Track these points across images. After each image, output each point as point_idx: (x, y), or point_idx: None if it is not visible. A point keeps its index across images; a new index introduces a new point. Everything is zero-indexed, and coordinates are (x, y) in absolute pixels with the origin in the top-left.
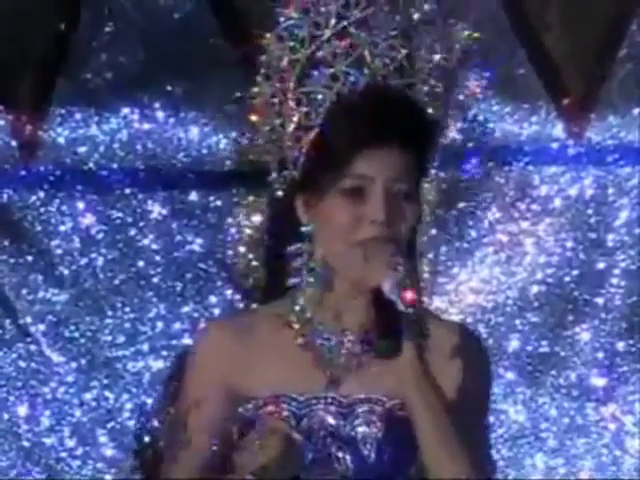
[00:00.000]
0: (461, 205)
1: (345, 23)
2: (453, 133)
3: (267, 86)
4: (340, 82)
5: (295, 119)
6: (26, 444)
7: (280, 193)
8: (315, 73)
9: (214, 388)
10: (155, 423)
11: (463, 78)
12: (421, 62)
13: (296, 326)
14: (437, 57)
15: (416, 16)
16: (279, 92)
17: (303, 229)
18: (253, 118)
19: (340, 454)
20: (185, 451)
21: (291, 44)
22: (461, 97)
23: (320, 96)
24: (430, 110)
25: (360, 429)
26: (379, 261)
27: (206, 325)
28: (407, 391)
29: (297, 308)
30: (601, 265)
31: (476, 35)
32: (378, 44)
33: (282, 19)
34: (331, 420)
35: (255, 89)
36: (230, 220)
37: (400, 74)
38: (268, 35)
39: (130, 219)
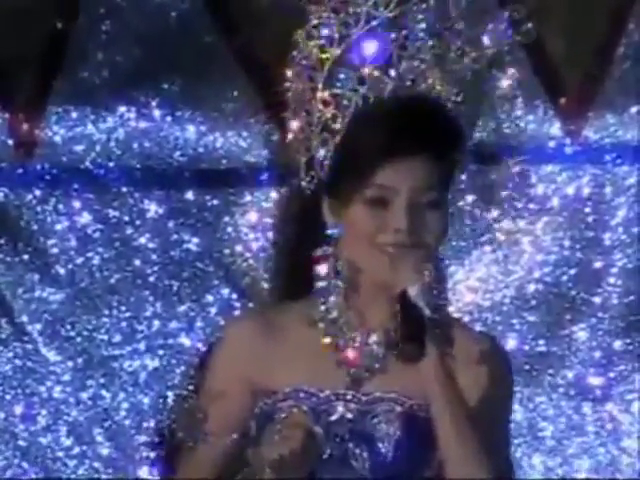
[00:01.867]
0: (458, 203)
1: (374, 24)
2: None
3: (298, 83)
4: (367, 85)
5: (322, 120)
6: (22, 443)
7: (308, 193)
8: (342, 74)
9: (236, 382)
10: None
11: (494, 78)
12: (451, 64)
13: (321, 325)
14: (467, 59)
15: (447, 17)
16: (308, 90)
17: (329, 232)
18: (286, 114)
19: (357, 451)
20: (202, 444)
21: (321, 42)
22: (493, 97)
23: (346, 99)
24: (456, 113)
25: (379, 427)
26: (406, 266)
27: (234, 318)
28: (430, 394)
29: (323, 308)
30: (598, 264)
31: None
32: (407, 46)
33: (312, 17)
34: (350, 417)
35: (287, 84)
36: (227, 219)
37: (428, 77)
38: (299, 32)
39: (127, 218)
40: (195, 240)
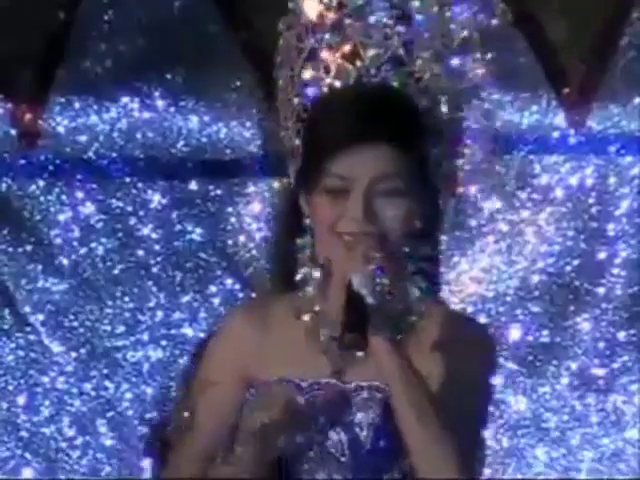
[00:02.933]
0: (461, 194)
1: (341, 14)
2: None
3: (282, 72)
4: (332, 74)
5: (296, 110)
6: (25, 434)
7: (292, 183)
8: (312, 64)
9: (230, 373)
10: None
11: (464, 66)
12: (419, 50)
13: (305, 317)
14: (436, 44)
15: (414, 4)
16: (289, 80)
17: (306, 222)
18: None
19: (337, 437)
20: (192, 433)
21: (298, 32)
22: (462, 86)
23: (312, 89)
24: (424, 102)
25: (358, 414)
26: (355, 254)
27: (231, 311)
28: (388, 382)
29: (306, 300)
30: (602, 255)
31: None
32: (372, 35)
33: (292, 6)
34: (331, 404)
35: (275, 72)
36: (230, 209)
37: (395, 64)
38: (282, 24)
39: (130, 208)
40: (198, 230)
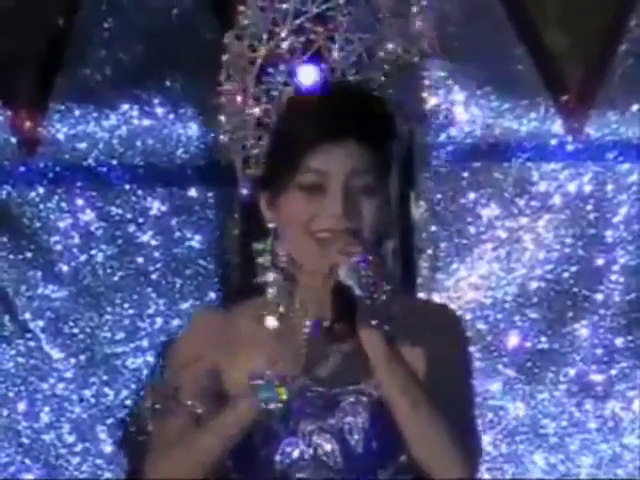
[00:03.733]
0: (460, 201)
1: (303, 19)
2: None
3: (229, 85)
4: (297, 77)
5: (256, 117)
6: (25, 440)
7: (245, 191)
8: (273, 70)
9: (201, 358)
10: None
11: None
12: (381, 54)
13: (270, 321)
14: (398, 50)
15: (376, 9)
16: (240, 91)
17: (268, 226)
18: (221, 117)
19: (328, 447)
20: (175, 416)
21: (249, 43)
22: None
23: (277, 93)
24: (387, 103)
25: (346, 419)
26: (333, 248)
27: (194, 314)
28: (378, 374)
29: (269, 304)
30: (600, 261)
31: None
32: (335, 38)
33: (240, 18)
34: (317, 414)
35: (218, 88)
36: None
37: (358, 67)
38: (229, 35)
39: (129, 215)
40: (198, 237)
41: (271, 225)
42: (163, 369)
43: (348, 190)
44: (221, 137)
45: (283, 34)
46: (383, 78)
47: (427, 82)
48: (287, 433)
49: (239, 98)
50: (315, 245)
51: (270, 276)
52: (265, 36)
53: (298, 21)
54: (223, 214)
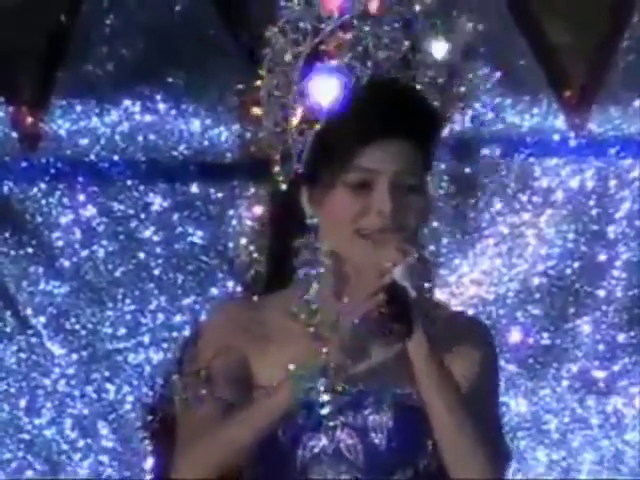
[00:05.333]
0: (462, 197)
1: (349, 16)
2: (458, 125)
3: (270, 79)
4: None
5: (299, 112)
6: (27, 436)
7: (284, 187)
8: (319, 66)
9: (230, 351)
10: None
11: (466, 70)
12: (424, 54)
13: (303, 317)
14: (440, 49)
15: (418, 8)
16: (283, 85)
17: (308, 222)
18: (256, 111)
19: (350, 442)
20: (206, 404)
21: (294, 37)
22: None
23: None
24: (432, 102)
25: (371, 417)
26: (389, 248)
27: (221, 303)
28: (419, 377)
29: (306, 299)
30: (602, 257)
31: (479, 28)
32: (381, 36)
33: (285, 12)
34: (342, 409)
35: (258, 82)
36: (231, 212)
37: (404, 66)
38: (272, 29)
39: (131, 211)
40: (199, 233)
41: (312, 221)
42: (184, 360)
43: (396, 188)
44: (260, 133)
45: (328, 30)
46: (427, 79)
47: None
48: (311, 427)
49: (281, 92)
50: (365, 242)
51: (312, 272)
52: (311, 31)
53: (344, 18)
54: (225, 210)
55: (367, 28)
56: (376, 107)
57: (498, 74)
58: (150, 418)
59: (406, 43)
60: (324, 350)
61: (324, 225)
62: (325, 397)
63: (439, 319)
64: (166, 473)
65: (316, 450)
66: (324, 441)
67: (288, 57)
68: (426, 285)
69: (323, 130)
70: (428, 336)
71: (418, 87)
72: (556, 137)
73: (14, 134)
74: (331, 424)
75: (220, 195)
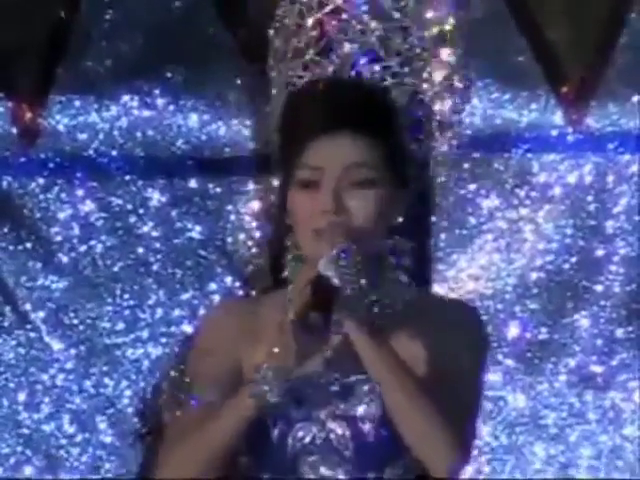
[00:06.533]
0: (460, 192)
1: (322, 12)
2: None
3: (272, 71)
4: (310, 71)
5: (279, 107)
6: (25, 431)
7: (276, 182)
8: (294, 63)
9: (224, 347)
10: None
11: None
12: (394, 46)
13: (290, 313)
14: (411, 40)
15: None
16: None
17: (287, 221)
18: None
19: (340, 431)
20: (188, 408)
21: (284, 33)
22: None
23: (292, 87)
24: (400, 98)
25: (360, 407)
26: (322, 242)
27: (216, 304)
28: (363, 360)
29: (288, 297)
30: (600, 252)
31: (449, 27)
32: (348, 30)
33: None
34: (331, 400)
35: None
36: (230, 207)
37: (372, 57)
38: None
39: (130, 206)
40: (198, 228)
41: (289, 221)
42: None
43: (342, 185)
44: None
45: (306, 27)
46: (400, 69)
47: (425, 75)
48: (300, 418)
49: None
50: (319, 241)
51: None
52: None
53: (318, 14)
54: (224, 205)
55: (334, 23)
56: (318, 103)
57: (495, 70)
58: (142, 424)
59: (375, 35)
60: (275, 350)
61: (293, 225)
62: (272, 399)
63: (424, 305)
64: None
65: (306, 441)
66: (314, 431)
67: (279, 54)
68: (352, 273)
69: (278, 127)
70: (364, 322)
71: (373, 81)
72: (554, 133)
73: (13, 129)
74: (322, 414)
75: (219, 190)
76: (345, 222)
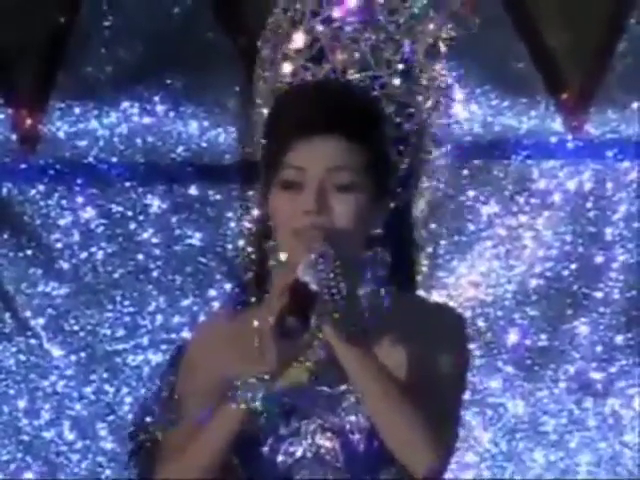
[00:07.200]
0: (460, 199)
1: (314, 20)
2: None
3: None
4: (299, 77)
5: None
6: (26, 438)
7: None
8: (283, 68)
9: (209, 366)
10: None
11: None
12: (386, 54)
13: (270, 319)
14: (404, 49)
15: (381, 9)
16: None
17: (270, 224)
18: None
19: (329, 444)
20: (178, 427)
21: (274, 41)
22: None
23: (279, 92)
24: (389, 107)
25: (348, 419)
26: (301, 246)
27: (200, 323)
28: (343, 365)
29: (272, 304)
30: (599, 259)
31: (449, 35)
32: (340, 37)
33: (270, 16)
34: (320, 413)
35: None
36: (229, 214)
37: (362, 67)
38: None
39: (130, 213)
40: (198, 235)
41: (270, 223)
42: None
43: (325, 187)
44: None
45: (296, 34)
46: (390, 80)
47: (425, 82)
48: (290, 433)
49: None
50: (298, 243)
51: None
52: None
53: (312, 21)
54: (224, 211)
55: (325, 30)
56: (305, 104)
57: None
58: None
59: (366, 43)
60: (255, 356)
61: (274, 228)
62: (254, 403)
63: (408, 309)
64: None
65: (297, 456)
66: (304, 445)
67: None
68: (330, 278)
69: (263, 129)
70: (342, 327)
71: (360, 87)
72: (554, 139)
73: (13, 136)
74: (311, 427)
75: (218, 197)
76: (326, 223)
